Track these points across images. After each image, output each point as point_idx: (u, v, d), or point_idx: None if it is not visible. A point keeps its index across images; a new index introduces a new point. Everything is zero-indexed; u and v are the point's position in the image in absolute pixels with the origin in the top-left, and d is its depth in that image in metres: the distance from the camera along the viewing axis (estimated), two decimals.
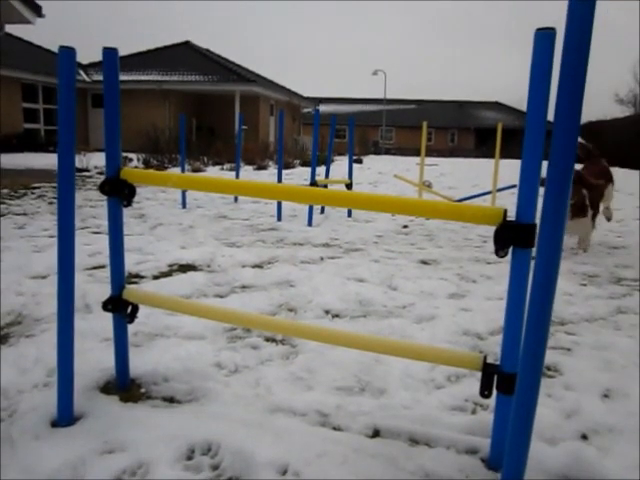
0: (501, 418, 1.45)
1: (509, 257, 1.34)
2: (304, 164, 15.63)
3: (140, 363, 2.07)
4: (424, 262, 4.17)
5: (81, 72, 21.72)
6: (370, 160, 21.65)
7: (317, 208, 6.45)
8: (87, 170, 11.74)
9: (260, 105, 23.83)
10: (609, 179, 4.95)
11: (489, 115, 41.25)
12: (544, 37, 1.20)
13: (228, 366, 2.16)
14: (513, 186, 5.96)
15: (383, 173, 14.28)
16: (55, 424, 1.68)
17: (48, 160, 12.76)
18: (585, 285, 3.63)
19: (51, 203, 6.79)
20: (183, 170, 7.64)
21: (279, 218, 6.00)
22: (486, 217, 1.37)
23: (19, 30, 16.74)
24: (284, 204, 6.08)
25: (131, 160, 13.40)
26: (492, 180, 7.25)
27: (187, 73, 22.31)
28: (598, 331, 2.70)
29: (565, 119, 1.06)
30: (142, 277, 3.45)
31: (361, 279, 3.54)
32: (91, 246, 4.17)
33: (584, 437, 1.72)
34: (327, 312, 2.87)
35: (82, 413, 1.74)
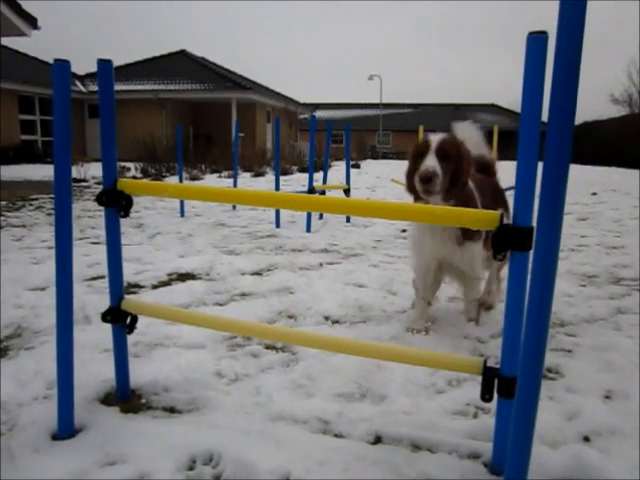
0: (503, 422, 1.45)
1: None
2: (302, 170, 15.65)
3: (140, 373, 2.07)
4: None
5: (77, 83, 21.80)
6: (368, 165, 21.68)
7: (315, 214, 6.45)
8: (85, 180, 11.76)
9: (256, 112, 23.91)
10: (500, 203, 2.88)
11: (485, 117, 41.33)
12: (536, 41, 1.21)
13: (228, 375, 2.15)
14: (511, 188, 5.96)
15: (381, 177, 14.29)
16: (56, 437, 1.67)
17: (46, 171, 12.80)
18: (584, 286, 3.63)
19: (49, 214, 6.79)
20: (181, 179, 7.65)
21: (277, 225, 6.00)
22: (483, 221, 1.37)
23: (15, 42, 16.80)
24: (282, 210, 6.08)
25: (129, 170, 13.42)
26: None
27: (183, 82, 22.39)
28: (598, 332, 2.69)
29: (559, 120, 1.06)
30: (141, 287, 3.44)
31: (360, 284, 3.54)
32: (90, 257, 4.16)
33: (586, 439, 1.71)
34: (327, 318, 2.87)
35: (83, 425, 1.73)
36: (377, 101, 38.08)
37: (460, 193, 2.39)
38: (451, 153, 2.28)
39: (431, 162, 2.24)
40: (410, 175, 2.42)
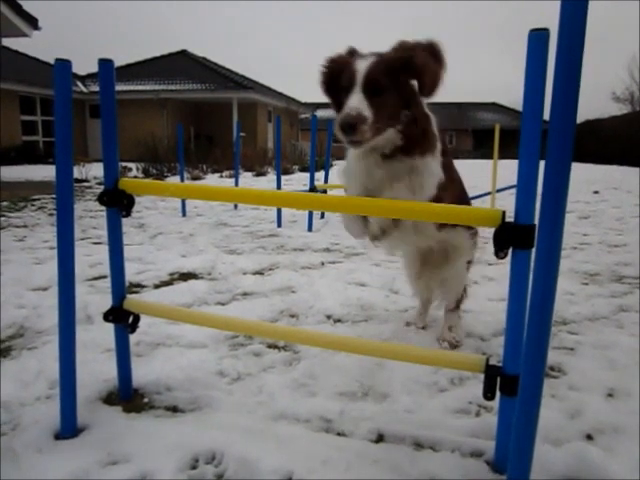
0: (505, 420, 1.45)
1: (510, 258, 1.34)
2: (303, 169, 15.66)
3: (143, 373, 2.07)
4: None
5: (78, 83, 21.81)
6: None
7: (317, 213, 6.45)
8: (86, 180, 11.78)
9: (258, 112, 23.90)
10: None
11: (487, 116, 41.34)
12: (538, 38, 1.20)
13: (230, 374, 2.15)
14: (513, 186, 5.95)
15: None
16: (58, 436, 1.67)
17: (47, 172, 12.80)
18: (587, 284, 3.62)
19: (51, 215, 6.80)
20: (182, 179, 7.65)
21: (279, 224, 6.00)
22: (484, 219, 1.37)
23: (16, 43, 16.82)
24: (284, 210, 6.08)
25: (130, 170, 13.44)
26: (491, 181, 7.25)
27: (184, 82, 22.40)
28: (600, 330, 2.69)
29: (560, 118, 1.06)
30: (143, 286, 3.44)
31: (362, 283, 3.54)
32: (92, 257, 4.17)
33: (589, 437, 1.71)
34: (329, 317, 2.87)
35: (85, 425, 1.73)
36: None
37: (419, 138, 1.79)
38: (386, 83, 1.63)
39: (355, 102, 1.58)
40: (335, 106, 1.77)
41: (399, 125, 1.73)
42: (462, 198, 2.34)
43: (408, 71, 1.66)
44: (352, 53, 1.75)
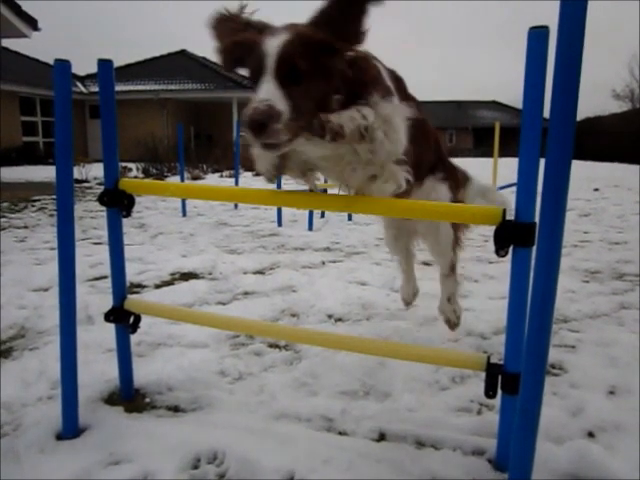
0: (507, 418, 1.45)
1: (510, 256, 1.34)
2: None
3: (144, 373, 2.07)
4: (426, 263, 4.15)
5: (78, 84, 21.81)
6: None
7: (317, 212, 6.44)
8: (87, 181, 11.78)
9: None
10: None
11: (487, 114, 41.29)
12: (538, 35, 1.21)
13: (232, 373, 2.15)
14: (514, 184, 5.93)
15: None
16: (60, 437, 1.67)
17: (47, 172, 12.80)
18: (587, 282, 3.62)
19: (52, 215, 6.80)
20: (182, 178, 7.65)
21: (279, 223, 6.00)
22: (485, 217, 1.37)
23: (15, 44, 16.81)
24: (284, 209, 6.08)
25: (130, 170, 13.43)
26: (492, 179, 7.25)
27: (184, 81, 22.39)
28: (602, 328, 2.69)
29: (560, 116, 1.06)
30: (144, 287, 3.44)
31: (363, 282, 3.54)
32: (92, 257, 4.17)
33: (591, 435, 1.71)
34: (330, 316, 2.87)
35: (87, 425, 1.73)
36: None
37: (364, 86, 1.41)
38: (306, 67, 1.26)
39: (265, 94, 1.23)
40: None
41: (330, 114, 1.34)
42: (442, 156, 2.18)
43: (331, 53, 1.30)
44: (261, 28, 1.37)
